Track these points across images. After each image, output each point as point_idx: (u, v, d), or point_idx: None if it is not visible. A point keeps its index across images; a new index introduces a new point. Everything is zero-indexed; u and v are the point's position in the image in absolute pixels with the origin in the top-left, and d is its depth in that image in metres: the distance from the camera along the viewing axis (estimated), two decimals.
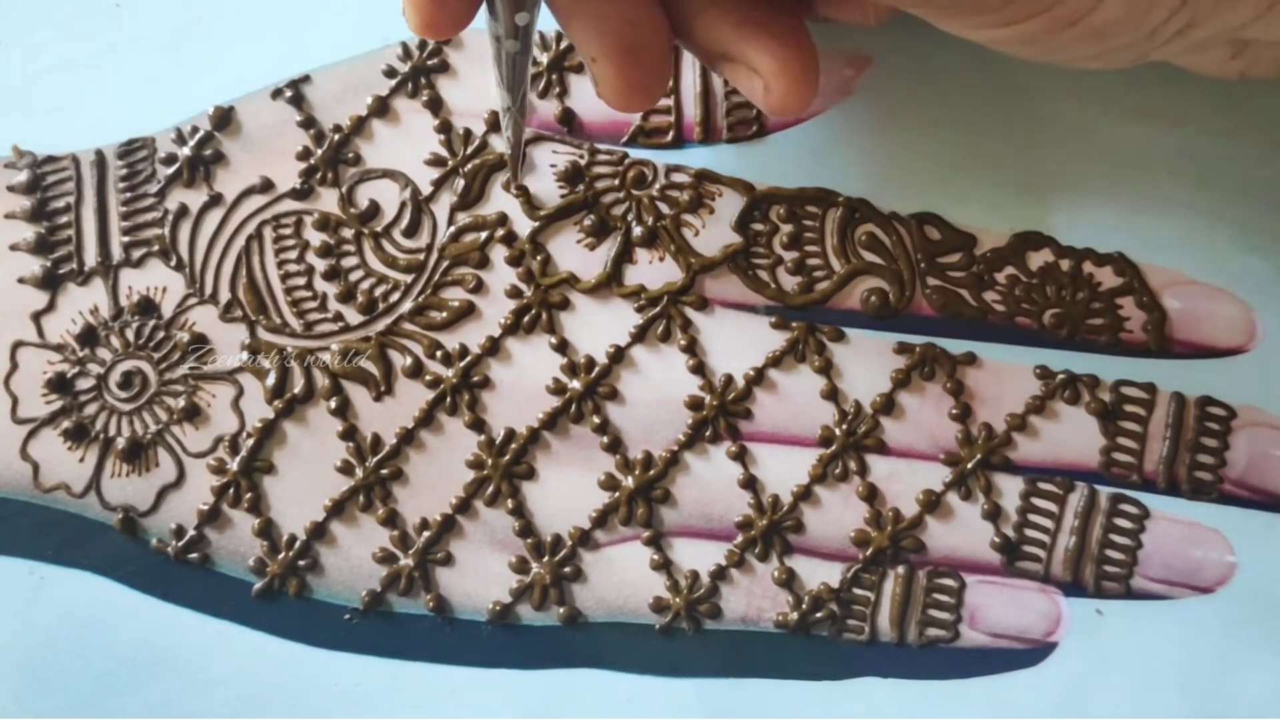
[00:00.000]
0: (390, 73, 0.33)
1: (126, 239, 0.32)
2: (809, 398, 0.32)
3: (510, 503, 0.31)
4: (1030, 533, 0.31)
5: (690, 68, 0.33)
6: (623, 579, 0.31)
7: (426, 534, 0.31)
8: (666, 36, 0.26)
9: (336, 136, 0.33)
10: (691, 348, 0.32)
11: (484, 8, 0.25)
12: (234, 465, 0.32)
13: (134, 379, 0.32)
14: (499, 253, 0.32)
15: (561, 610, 0.31)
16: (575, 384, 0.32)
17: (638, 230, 0.32)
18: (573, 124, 0.33)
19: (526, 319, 0.32)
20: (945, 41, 0.32)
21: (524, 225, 0.32)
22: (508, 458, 0.32)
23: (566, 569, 0.31)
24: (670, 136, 0.32)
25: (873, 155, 0.32)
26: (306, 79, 0.33)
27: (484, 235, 0.32)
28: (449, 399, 0.32)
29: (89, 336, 0.32)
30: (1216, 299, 0.31)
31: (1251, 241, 0.31)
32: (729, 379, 0.32)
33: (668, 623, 0.31)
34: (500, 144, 0.32)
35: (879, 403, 0.31)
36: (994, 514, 0.31)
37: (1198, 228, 0.32)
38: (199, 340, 0.32)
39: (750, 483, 0.31)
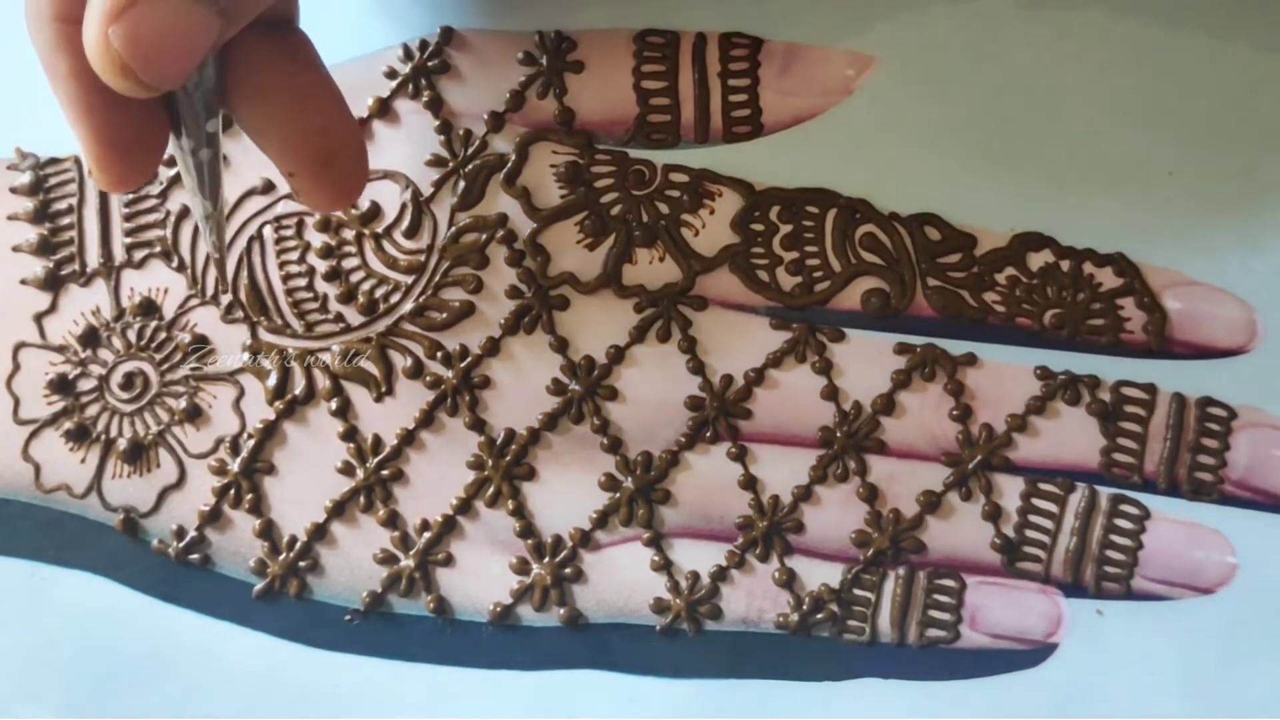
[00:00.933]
0: (391, 74, 0.33)
1: (128, 240, 0.32)
2: (809, 398, 0.32)
3: (511, 503, 0.31)
4: (1030, 533, 0.31)
5: (688, 67, 0.32)
6: (623, 580, 0.31)
7: (427, 535, 0.31)
8: (361, 140, 0.27)
9: None
10: (691, 348, 0.32)
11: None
12: (235, 466, 0.32)
13: (135, 380, 0.32)
14: (499, 253, 0.32)
15: (562, 611, 0.31)
16: (575, 384, 0.32)
17: (637, 230, 0.32)
18: (572, 124, 0.33)
19: (526, 319, 0.32)
20: (946, 42, 0.32)
21: (524, 225, 0.32)
22: (508, 458, 0.32)
23: (567, 570, 0.31)
24: (669, 136, 0.32)
25: (873, 155, 0.32)
26: None
27: (484, 236, 0.32)
28: (449, 399, 0.32)
29: (91, 337, 0.32)
30: (1217, 300, 0.31)
31: (1251, 241, 0.31)
32: (729, 379, 0.32)
33: (668, 624, 0.31)
34: (502, 145, 0.32)
35: (879, 403, 0.31)
36: (994, 514, 0.31)
37: (1198, 228, 0.32)
38: (200, 341, 0.32)
39: (750, 483, 0.31)
